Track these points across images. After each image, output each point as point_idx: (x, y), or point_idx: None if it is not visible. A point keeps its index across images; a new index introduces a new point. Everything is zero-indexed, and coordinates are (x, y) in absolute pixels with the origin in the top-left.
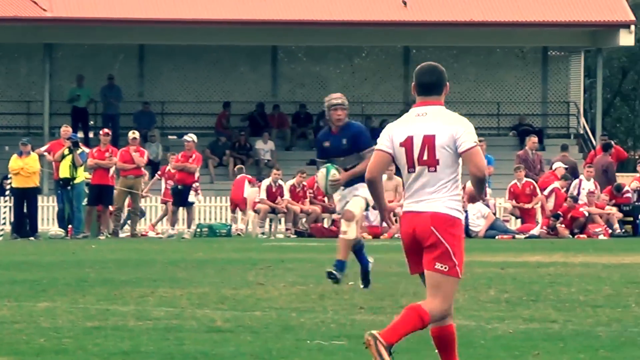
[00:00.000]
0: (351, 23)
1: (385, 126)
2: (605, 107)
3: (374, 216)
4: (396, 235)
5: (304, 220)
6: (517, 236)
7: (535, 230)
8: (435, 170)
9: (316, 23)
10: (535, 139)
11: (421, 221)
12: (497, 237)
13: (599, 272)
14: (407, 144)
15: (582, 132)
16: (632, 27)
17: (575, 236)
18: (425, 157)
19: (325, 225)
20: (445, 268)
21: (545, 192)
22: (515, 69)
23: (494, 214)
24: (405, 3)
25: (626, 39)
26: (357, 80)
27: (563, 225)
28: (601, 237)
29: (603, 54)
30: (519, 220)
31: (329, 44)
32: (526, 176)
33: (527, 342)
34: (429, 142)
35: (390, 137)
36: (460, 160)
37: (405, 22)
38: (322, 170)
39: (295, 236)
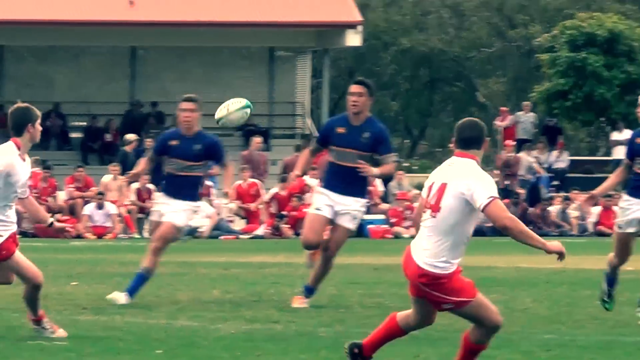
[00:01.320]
0: (76, 23)
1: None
2: (332, 107)
3: (98, 216)
4: (122, 236)
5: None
6: (241, 236)
7: (260, 231)
8: (436, 217)
9: (39, 22)
10: (259, 139)
11: (412, 271)
12: (221, 237)
13: None
14: (429, 187)
15: (308, 132)
16: (359, 28)
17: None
18: (433, 202)
19: None
20: (451, 305)
21: (266, 198)
22: (242, 69)
23: (218, 214)
24: (131, 2)
25: (353, 39)
26: (83, 79)
27: (288, 226)
28: None
29: (330, 55)
30: (243, 221)
31: (54, 44)
32: (251, 177)
33: (250, 342)
34: (441, 188)
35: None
36: (468, 218)
37: (131, 22)
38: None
39: (19, 236)
